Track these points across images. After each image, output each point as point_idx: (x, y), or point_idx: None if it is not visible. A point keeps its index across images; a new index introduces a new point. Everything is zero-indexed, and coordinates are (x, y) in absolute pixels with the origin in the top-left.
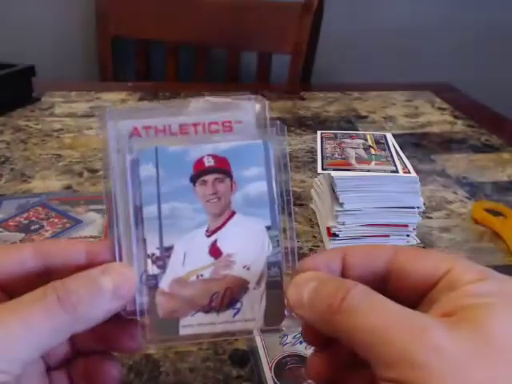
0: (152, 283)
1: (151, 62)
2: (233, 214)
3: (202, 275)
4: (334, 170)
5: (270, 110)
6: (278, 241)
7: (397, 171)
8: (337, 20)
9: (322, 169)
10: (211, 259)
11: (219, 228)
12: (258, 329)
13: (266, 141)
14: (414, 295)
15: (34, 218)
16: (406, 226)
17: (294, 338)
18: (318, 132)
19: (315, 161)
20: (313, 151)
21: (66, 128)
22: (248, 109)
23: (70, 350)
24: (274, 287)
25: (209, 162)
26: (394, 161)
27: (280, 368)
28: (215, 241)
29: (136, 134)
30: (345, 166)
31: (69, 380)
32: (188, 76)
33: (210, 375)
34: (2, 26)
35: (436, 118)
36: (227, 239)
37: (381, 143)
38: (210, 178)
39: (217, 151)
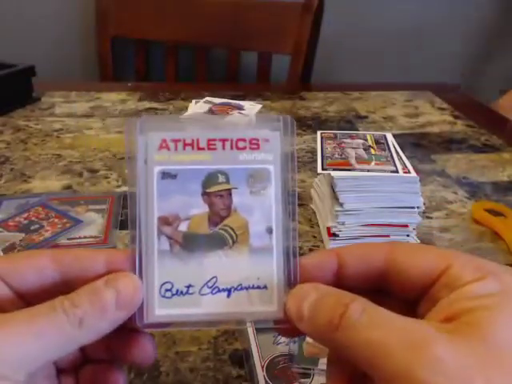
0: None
1: (151, 61)
2: None
3: None
4: (334, 170)
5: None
6: None
7: (397, 171)
8: (337, 20)
9: (322, 169)
10: None
11: None
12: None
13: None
14: (413, 292)
15: (33, 218)
16: (405, 225)
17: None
18: (318, 132)
19: (315, 161)
20: (313, 151)
21: (66, 128)
22: (275, 130)
23: (80, 356)
24: None
25: None
26: (393, 161)
27: (272, 367)
28: None
29: (164, 146)
30: (345, 166)
31: None
32: (188, 76)
33: (210, 375)
34: (2, 26)
35: (436, 118)
36: None
37: (381, 143)
38: None
39: None
